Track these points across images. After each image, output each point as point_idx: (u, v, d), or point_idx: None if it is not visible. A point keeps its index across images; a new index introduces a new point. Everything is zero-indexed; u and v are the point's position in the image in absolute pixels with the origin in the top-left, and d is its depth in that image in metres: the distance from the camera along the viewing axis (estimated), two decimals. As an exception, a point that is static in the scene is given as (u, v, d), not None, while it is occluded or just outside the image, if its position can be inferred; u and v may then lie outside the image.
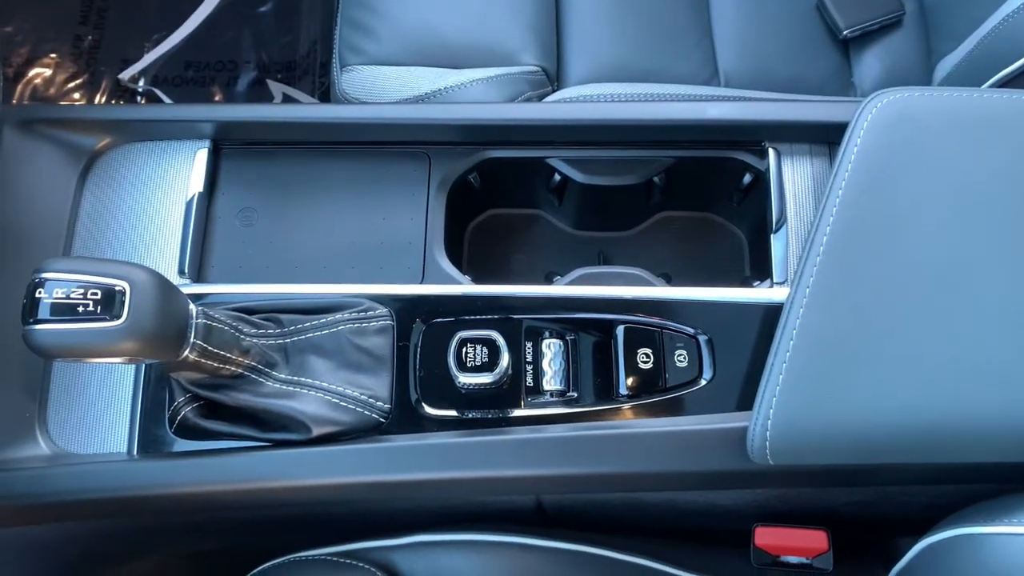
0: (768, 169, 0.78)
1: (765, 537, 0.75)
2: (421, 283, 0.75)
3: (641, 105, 0.78)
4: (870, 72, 1.11)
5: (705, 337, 0.72)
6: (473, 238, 0.89)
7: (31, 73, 1.56)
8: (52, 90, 1.56)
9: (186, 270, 0.75)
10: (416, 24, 1.04)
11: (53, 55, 1.58)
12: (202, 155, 0.79)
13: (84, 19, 1.61)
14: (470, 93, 0.98)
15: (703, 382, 0.71)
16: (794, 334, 0.64)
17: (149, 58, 1.58)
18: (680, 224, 0.89)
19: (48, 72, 1.57)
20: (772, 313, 0.71)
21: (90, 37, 1.60)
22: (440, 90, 0.98)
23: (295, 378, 0.69)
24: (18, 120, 0.77)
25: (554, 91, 1.03)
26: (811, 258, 0.66)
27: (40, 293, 0.57)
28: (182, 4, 1.61)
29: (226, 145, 0.80)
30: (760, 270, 0.80)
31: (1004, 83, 0.92)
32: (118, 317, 0.57)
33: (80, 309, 0.57)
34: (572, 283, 0.76)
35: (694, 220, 0.89)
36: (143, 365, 0.73)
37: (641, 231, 0.90)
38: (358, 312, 0.72)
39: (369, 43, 1.04)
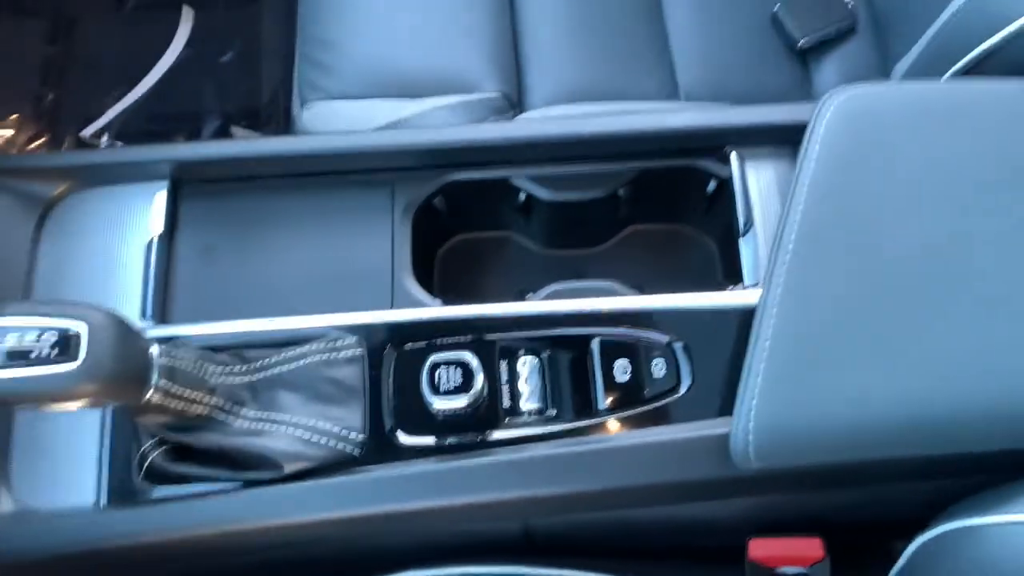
0: (731, 174, 0.77)
1: (759, 549, 0.73)
2: (390, 309, 0.74)
3: (602, 119, 0.78)
4: (828, 81, 1.12)
5: (681, 344, 0.71)
6: (442, 265, 0.88)
7: (-8, 136, 1.55)
8: (14, 151, 1.54)
9: (149, 312, 0.73)
10: (373, 57, 1.04)
11: (14, 116, 1.57)
12: (160, 196, 0.77)
13: (44, 79, 1.61)
14: (431, 121, 0.97)
15: (682, 390, 0.70)
16: (769, 333, 0.63)
17: (111, 114, 1.57)
18: (650, 237, 0.88)
19: (9, 133, 1.56)
20: (747, 316, 0.70)
21: (51, 96, 1.59)
22: (400, 120, 0.97)
23: (264, 415, 0.67)
24: (-29, 172, 0.75)
25: (516, 116, 1.03)
26: (781, 256, 0.66)
27: (-9, 339, 0.55)
28: (142, 59, 1.61)
29: (185, 184, 0.79)
30: (732, 276, 0.79)
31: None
32: (74, 360, 0.55)
33: (34, 354, 0.55)
34: (544, 299, 0.74)
35: (664, 232, 0.88)
36: (109, 412, 0.71)
37: (612, 246, 0.89)
38: (326, 343, 0.70)
39: (327, 79, 1.04)
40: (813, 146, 0.69)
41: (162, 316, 0.74)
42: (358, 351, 0.71)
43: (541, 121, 0.88)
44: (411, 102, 1.01)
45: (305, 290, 0.76)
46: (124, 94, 1.58)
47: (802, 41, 1.12)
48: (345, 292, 0.75)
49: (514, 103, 1.04)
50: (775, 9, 1.13)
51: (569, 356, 0.72)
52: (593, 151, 0.79)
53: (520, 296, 0.79)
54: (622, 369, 0.70)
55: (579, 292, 0.75)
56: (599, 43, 1.08)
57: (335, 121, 1.00)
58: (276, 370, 0.69)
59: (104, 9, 1.66)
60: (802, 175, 0.68)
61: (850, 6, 1.14)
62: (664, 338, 0.71)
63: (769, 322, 0.64)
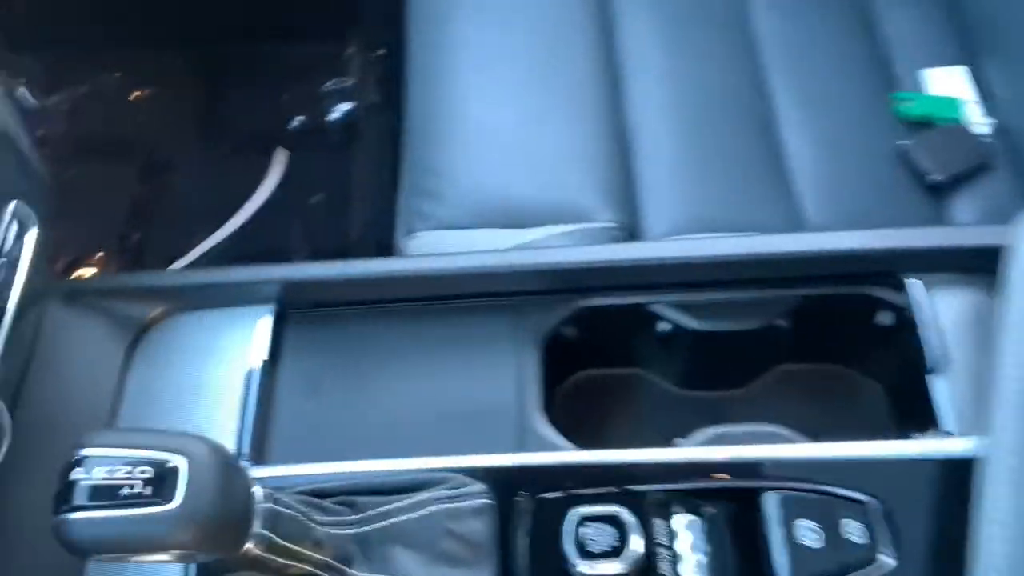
0: (911, 304, 0.67)
1: None
2: (519, 452, 0.64)
3: (758, 239, 0.70)
4: (965, 215, 1.04)
5: (877, 503, 0.58)
6: (562, 404, 0.78)
7: (77, 273, 1.53)
8: (97, 289, 1.52)
9: (246, 450, 0.64)
10: (483, 186, 0.99)
11: (99, 254, 1.56)
12: (264, 322, 0.70)
13: (132, 219, 1.60)
14: (547, 250, 0.90)
15: (886, 559, 0.57)
16: (1006, 502, 0.51)
17: (196, 253, 1.55)
18: (803, 377, 0.77)
19: (94, 271, 1.54)
20: (954, 468, 0.58)
21: (137, 235, 1.58)
22: (517, 247, 0.90)
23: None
24: (64, 293, 0.69)
25: (634, 247, 0.96)
26: (1004, 403, 0.54)
27: (77, 473, 0.46)
28: (231, 200, 1.60)
29: (290, 310, 0.71)
30: (912, 423, 0.68)
31: None
32: (171, 500, 0.46)
33: (125, 492, 0.46)
34: (699, 446, 0.64)
35: (819, 372, 0.77)
36: (192, 569, 0.60)
37: (757, 388, 0.78)
38: (448, 490, 0.60)
39: (435, 208, 0.98)
40: (1019, 273, 0.60)
41: (260, 454, 0.65)
42: (486, 500, 0.60)
43: (687, 240, 0.79)
44: (523, 232, 0.94)
45: (420, 429, 0.66)
46: (210, 235, 1.56)
47: (934, 176, 1.04)
48: (466, 431, 0.66)
49: (632, 233, 0.97)
50: (902, 143, 1.06)
51: (737, 515, 0.60)
52: (747, 274, 0.70)
53: (667, 442, 0.68)
54: (804, 532, 0.58)
55: (738, 437, 0.64)
56: (715, 171, 1.02)
57: (443, 251, 0.93)
58: (391, 521, 0.58)
59: (196, 152, 1.68)
60: (1012, 306, 0.58)
61: (986, 140, 1.07)
62: (856, 495, 0.59)
63: (1002, 488, 0.52)
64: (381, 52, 1.67)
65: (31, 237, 0.59)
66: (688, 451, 0.62)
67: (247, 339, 0.69)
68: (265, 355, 0.68)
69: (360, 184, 1.59)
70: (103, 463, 0.47)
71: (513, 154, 1.00)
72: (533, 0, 1.15)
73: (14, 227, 0.57)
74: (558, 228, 0.94)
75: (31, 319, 0.62)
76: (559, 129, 1.03)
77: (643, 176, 1.02)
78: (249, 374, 0.68)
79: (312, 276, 0.71)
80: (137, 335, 0.70)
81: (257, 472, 0.62)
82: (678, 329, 0.71)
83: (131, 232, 1.57)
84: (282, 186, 1.60)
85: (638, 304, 0.71)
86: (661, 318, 0.71)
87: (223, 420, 0.66)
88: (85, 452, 0.47)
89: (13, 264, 0.57)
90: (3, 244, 0.56)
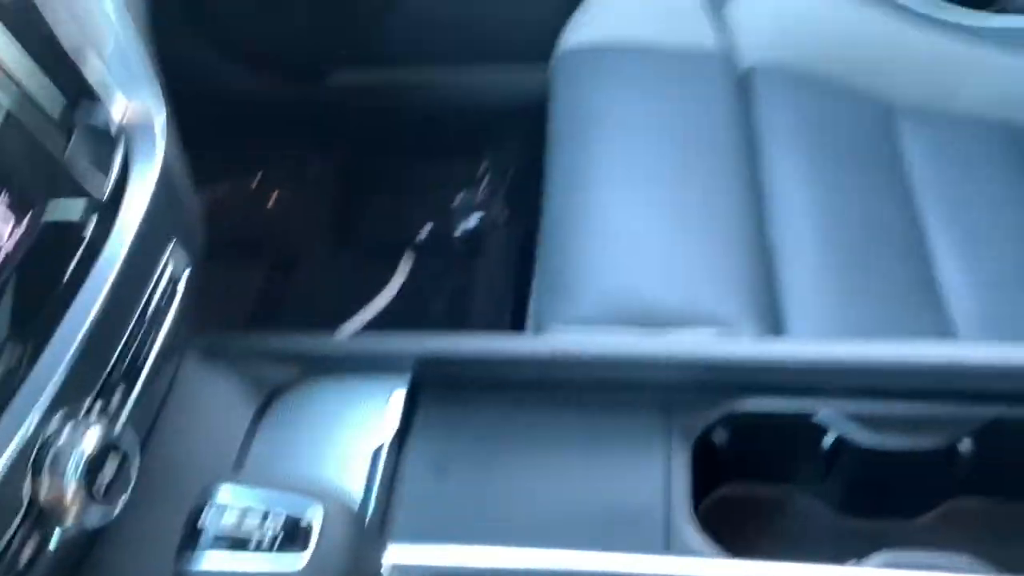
0: None
1: None
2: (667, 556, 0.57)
3: (948, 345, 0.63)
4: None
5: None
6: (704, 520, 0.70)
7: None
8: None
9: (367, 526, 0.59)
10: (618, 286, 0.94)
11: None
12: (398, 395, 0.67)
13: (256, 311, 1.63)
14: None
15: None
16: None
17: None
18: (985, 514, 0.68)
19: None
20: None
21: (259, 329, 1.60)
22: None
23: None
24: (203, 347, 0.68)
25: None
26: None
27: (205, 518, 0.43)
28: (352, 304, 1.61)
29: (424, 383, 0.68)
30: None
31: None
32: (301, 554, 0.42)
33: (253, 541, 0.42)
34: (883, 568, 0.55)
35: (1003, 511, 0.68)
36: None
37: (927, 521, 0.69)
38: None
39: (567, 305, 0.94)
40: None
41: (383, 531, 0.60)
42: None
43: (864, 343, 0.72)
44: (660, 332, 0.89)
45: (555, 523, 0.60)
46: (332, 332, 1.56)
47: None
48: (606, 531, 0.59)
49: (775, 345, 0.90)
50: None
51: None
52: (928, 385, 0.63)
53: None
54: None
55: (924, 565, 0.55)
56: (863, 293, 0.95)
57: (576, 347, 0.89)
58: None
59: (324, 254, 1.72)
60: None
61: None
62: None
63: None
64: (511, 172, 1.70)
65: (183, 280, 0.59)
66: (869, 572, 0.54)
67: (378, 411, 0.66)
68: (393, 431, 0.65)
69: (481, 294, 1.58)
70: (233, 509, 0.43)
71: (651, 258, 0.97)
72: (678, 122, 1.15)
73: (170, 267, 0.56)
74: (697, 331, 0.89)
75: (171, 365, 0.61)
76: (699, 239, 0.99)
77: (786, 290, 0.96)
78: (377, 450, 0.64)
79: (448, 351, 0.68)
80: (269, 396, 0.68)
81: (388, 551, 0.57)
82: (844, 444, 0.64)
83: (254, 324, 1.59)
84: (404, 292, 1.61)
85: (802, 413, 0.64)
86: (827, 429, 0.64)
87: (348, 491, 0.62)
88: (217, 498, 0.44)
89: (166, 305, 0.56)
90: (158, 283, 0.55)
